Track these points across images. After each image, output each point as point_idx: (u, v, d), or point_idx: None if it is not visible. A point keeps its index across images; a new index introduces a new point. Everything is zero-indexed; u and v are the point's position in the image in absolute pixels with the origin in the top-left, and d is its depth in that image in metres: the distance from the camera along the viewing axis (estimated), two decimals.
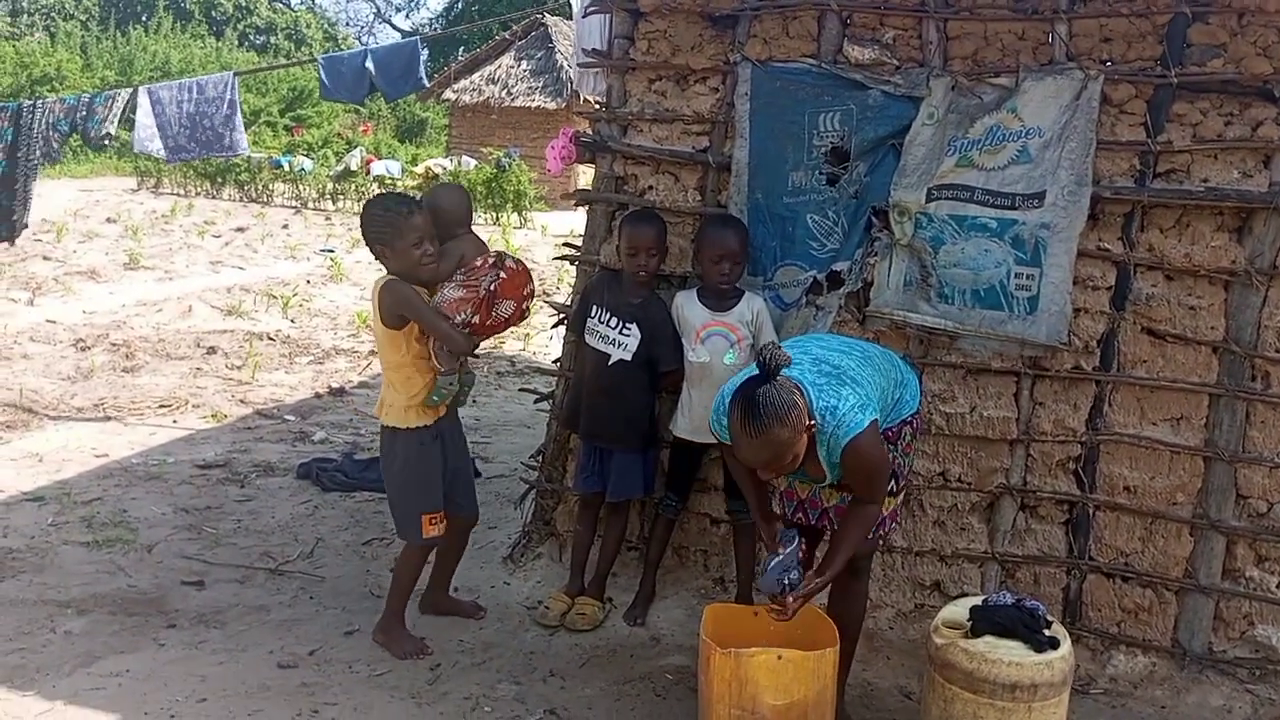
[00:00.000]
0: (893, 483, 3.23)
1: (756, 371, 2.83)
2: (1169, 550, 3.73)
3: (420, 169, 19.64)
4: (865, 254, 3.88)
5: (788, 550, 3.03)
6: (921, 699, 3.16)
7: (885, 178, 3.81)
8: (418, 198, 3.81)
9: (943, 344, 3.87)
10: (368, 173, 19.55)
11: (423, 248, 3.53)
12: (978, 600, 3.09)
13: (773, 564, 3.03)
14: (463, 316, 3.57)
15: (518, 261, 3.83)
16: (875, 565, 4.00)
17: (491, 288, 3.63)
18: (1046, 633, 2.94)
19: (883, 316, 3.89)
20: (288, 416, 6.65)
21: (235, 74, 6.71)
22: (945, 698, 2.97)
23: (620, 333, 3.95)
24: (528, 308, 3.85)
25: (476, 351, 3.84)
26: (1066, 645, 2.96)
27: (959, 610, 3.09)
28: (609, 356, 3.96)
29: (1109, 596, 3.81)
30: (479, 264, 3.70)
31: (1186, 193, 3.55)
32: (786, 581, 2.99)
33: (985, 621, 2.97)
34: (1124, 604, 3.79)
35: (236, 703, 3.38)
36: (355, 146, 22.49)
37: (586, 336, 4.05)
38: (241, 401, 6.95)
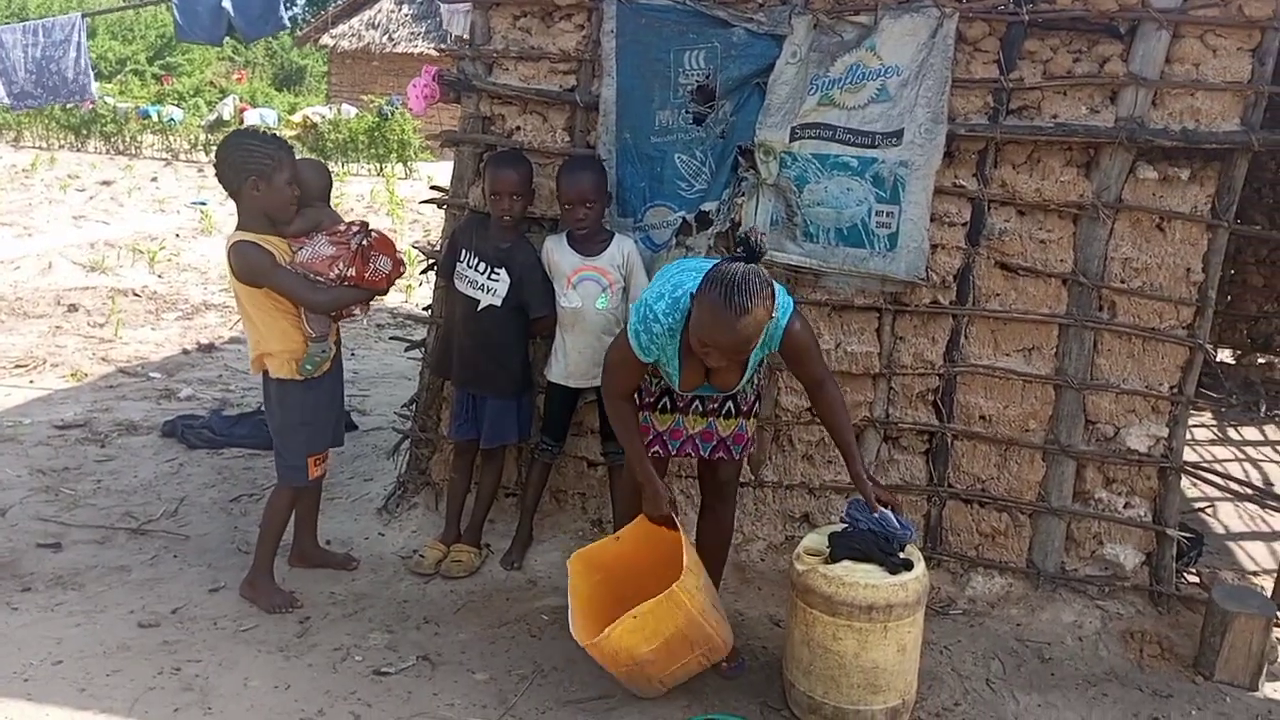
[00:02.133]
0: (756, 404, 3.37)
1: (714, 261, 2.93)
2: (1023, 475, 3.89)
3: (298, 118, 18.94)
4: (733, 194, 3.89)
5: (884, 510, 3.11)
6: (787, 624, 3.24)
7: (750, 117, 3.81)
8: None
9: (808, 282, 3.92)
10: (241, 122, 18.75)
11: (293, 188, 3.43)
12: (837, 528, 3.16)
13: (896, 520, 3.09)
14: (337, 271, 3.50)
15: (379, 231, 3.76)
16: (747, 500, 4.09)
17: (364, 243, 3.55)
18: (901, 555, 3.03)
19: None
20: (153, 374, 6.39)
21: (83, 15, 6.32)
22: (807, 622, 3.05)
23: (489, 278, 3.89)
24: (402, 267, 3.79)
25: (358, 312, 3.74)
26: (920, 566, 3.07)
27: (819, 538, 3.17)
28: (478, 302, 3.90)
29: (967, 521, 3.96)
30: (341, 227, 3.65)
31: (1037, 129, 3.65)
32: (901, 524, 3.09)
33: (843, 548, 3.05)
34: (981, 528, 3.94)
35: (94, 663, 3.27)
36: (228, 95, 21.54)
37: (455, 282, 3.98)
38: (103, 360, 6.65)
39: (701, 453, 3.35)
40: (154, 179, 16.33)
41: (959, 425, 3.91)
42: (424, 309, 4.53)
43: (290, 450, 3.69)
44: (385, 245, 3.67)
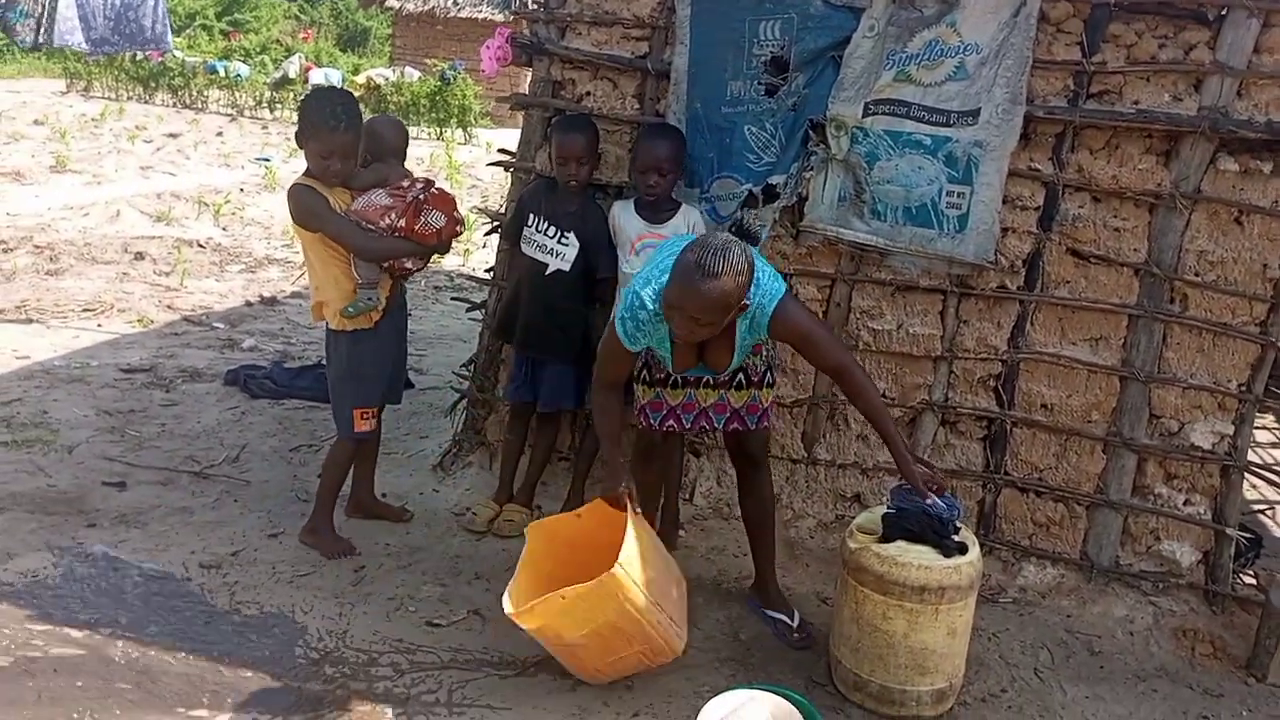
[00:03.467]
0: (768, 374, 3.36)
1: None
2: (1082, 466, 3.84)
3: (361, 79, 19.07)
4: (801, 168, 3.86)
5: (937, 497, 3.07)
6: (835, 602, 3.24)
7: (824, 90, 3.78)
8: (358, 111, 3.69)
9: (873, 261, 3.89)
10: (306, 81, 18.93)
11: (331, 162, 3.48)
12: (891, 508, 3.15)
13: (942, 503, 3.05)
14: (389, 221, 3.54)
15: (442, 189, 3.80)
16: (799, 477, 4.09)
17: (420, 197, 3.60)
18: (955, 538, 3.02)
19: (816, 232, 3.89)
20: (216, 324, 6.52)
21: None
22: (857, 600, 3.05)
23: (559, 242, 3.91)
24: (460, 226, 3.82)
25: (410, 266, 3.78)
26: (974, 551, 3.05)
27: (873, 517, 3.16)
28: (546, 266, 3.93)
29: (1022, 510, 3.92)
30: (405, 183, 3.70)
31: (1117, 114, 3.57)
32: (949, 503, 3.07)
33: (897, 528, 3.04)
34: (1036, 518, 3.91)
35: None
36: (294, 54, 21.74)
37: (523, 246, 4.00)
38: (169, 307, 6.80)
39: (716, 425, 3.36)
40: (219, 133, 16.59)
41: (1019, 413, 3.87)
42: (485, 271, 4.56)
43: (338, 401, 3.77)
44: (442, 201, 3.70)
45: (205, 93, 20.23)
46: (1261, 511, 4.88)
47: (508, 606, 2.99)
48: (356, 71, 21.20)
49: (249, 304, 7.09)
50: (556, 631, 2.97)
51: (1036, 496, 3.91)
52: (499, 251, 4.37)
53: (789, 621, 3.48)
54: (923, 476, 3.07)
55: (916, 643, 2.98)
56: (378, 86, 18.38)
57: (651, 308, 2.98)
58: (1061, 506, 3.88)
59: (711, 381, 3.34)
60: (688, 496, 4.19)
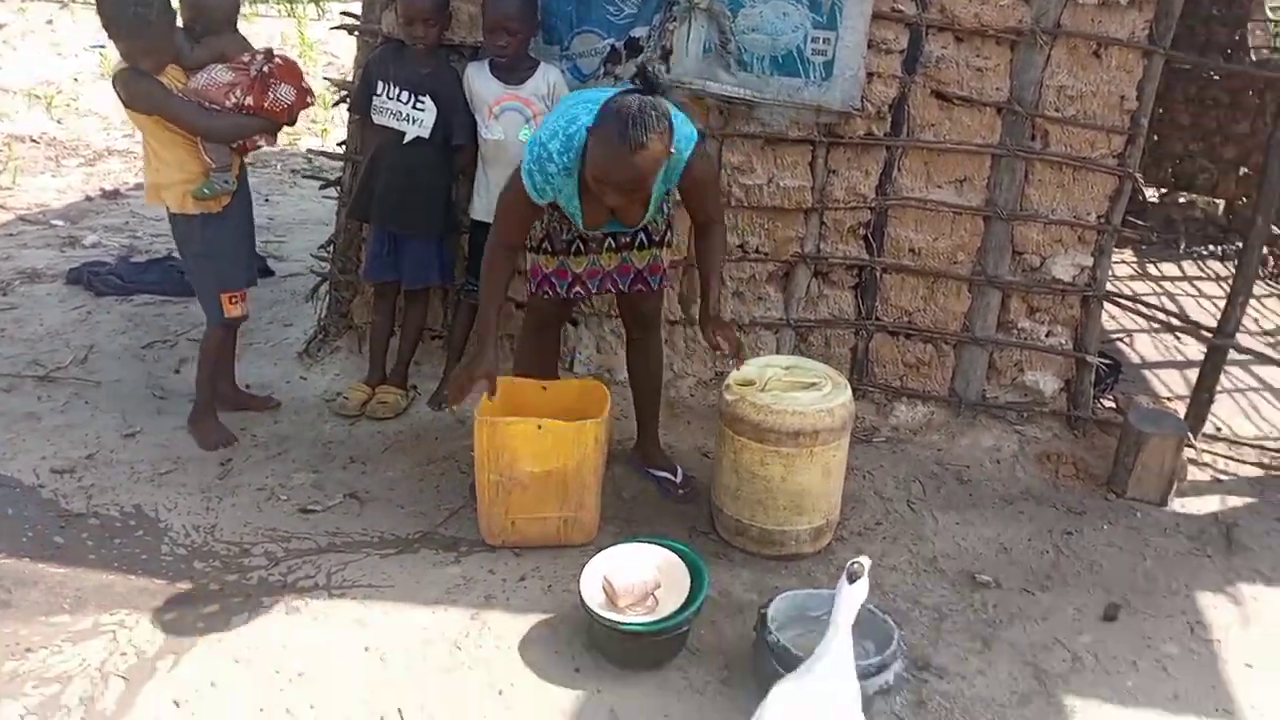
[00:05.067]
0: (669, 232, 3.30)
1: (614, 91, 2.78)
2: (949, 307, 3.91)
3: None
4: (664, 19, 3.70)
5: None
6: (716, 453, 3.26)
7: None
8: None
9: (741, 114, 3.79)
10: None
11: (143, 60, 3.21)
12: (765, 359, 3.16)
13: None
14: (234, 99, 3.31)
15: (285, 57, 3.54)
16: (678, 338, 4.07)
17: (264, 69, 3.34)
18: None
19: (683, 86, 3.74)
20: (55, 221, 6.07)
21: None
22: (735, 449, 3.07)
23: (414, 107, 3.69)
24: (310, 98, 3.57)
25: (262, 143, 3.53)
26: (846, 393, 3.09)
27: (748, 368, 3.15)
28: (403, 135, 3.71)
29: (893, 353, 3.99)
30: (245, 57, 3.44)
31: None
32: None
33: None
34: (906, 359, 3.99)
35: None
36: None
37: (375, 116, 3.76)
38: (2, 208, 6.29)
39: (621, 287, 3.29)
40: (49, 21, 15.19)
41: (889, 259, 3.89)
42: (338, 145, 4.31)
43: (203, 288, 3.58)
44: (289, 73, 3.46)
45: None
46: (1119, 340, 5.09)
47: (481, 413, 2.95)
48: None
49: (89, 199, 6.61)
50: (510, 458, 2.94)
51: (906, 339, 3.98)
52: (350, 124, 4.12)
53: (673, 478, 3.50)
54: (718, 333, 3.06)
55: (794, 485, 3.02)
56: None
57: (560, 161, 2.84)
58: (930, 347, 3.96)
59: (613, 244, 3.24)
60: (567, 365, 4.13)
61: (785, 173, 3.83)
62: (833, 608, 2.22)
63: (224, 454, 3.58)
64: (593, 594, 2.70)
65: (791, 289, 3.99)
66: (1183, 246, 7.17)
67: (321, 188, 4.54)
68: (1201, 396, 3.93)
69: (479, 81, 3.64)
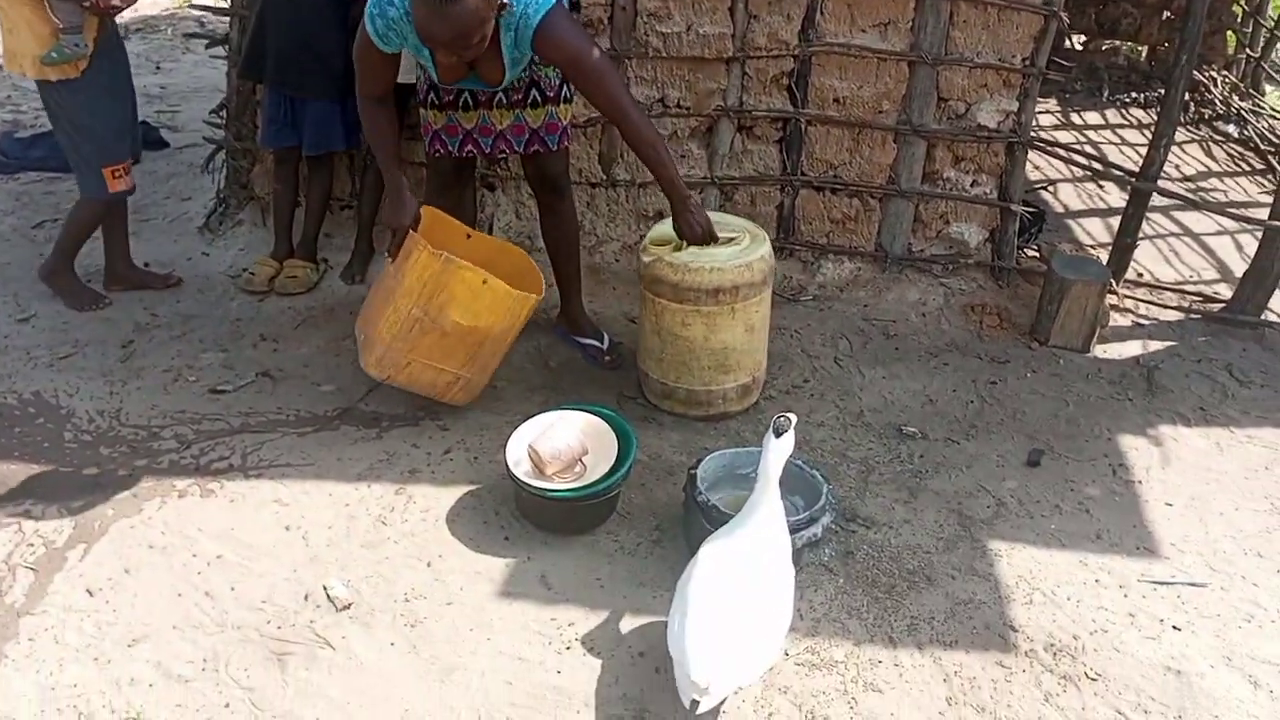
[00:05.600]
0: (564, 88, 3.10)
1: None
2: (874, 159, 3.82)
3: None
4: None
5: None
6: (639, 317, 3.18)
7: None
8: None
9: None
10: None
11: None
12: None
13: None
14: None
15: None
16: (600, 201, 3.94)
17: None
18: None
19: None
20: None
21: None
22: (656, 312, 2.99)
23: None
24: None
25: (118, 3, 3.21)
26: (765, 246, 3.00)
27: (665, 228, 3.04)
28: None
29: (819, 209, 3.91)
30: None
31: None
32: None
33: None
34: (832, 215, 3.91)
35: None
36: None
37: None
38: None
39: (516, 148, 3.12)
40: None
41: (813, 110, 3.77)
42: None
43: (81, 162, 3.35)
44: None
45: None
46: (1043, 188, 5.08)
47: (422, 243, 2.78)
48: None
49: None
50: (444, 300, 2.78)
51: (832, 194, 3.89)
52: None
53: (599, 345, 3.42)
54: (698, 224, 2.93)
55: (717, 344, 2.97)
56: None
57: (400, 5, 2.62)
58: (856, 201, 3.89)
59: (505, 100, 3.06)
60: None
61: (704, 19, 3.65)
62: (759, 463, 2.18)
63: (125, 336, 3.41)
64: (519, 462, 2.64)
65: (715, 145, 3.85)
66: (1106, 94, 7.13)
67: (207, 46, 4.22)
68: (1123, 242, 3.94)
69: None
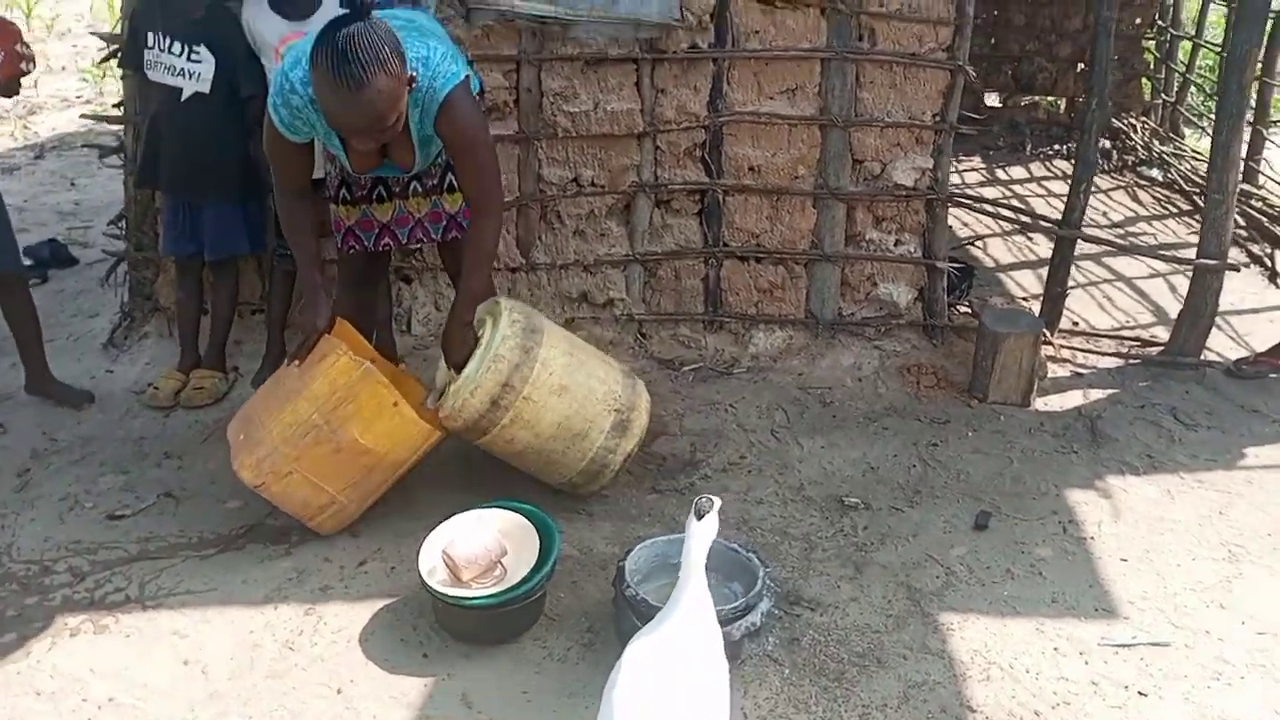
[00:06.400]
0: None
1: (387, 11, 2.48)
2: (795, 225, 3.76)
3: None
4: None
5: None
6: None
7: None
8: None
9: (556, 35, 3.54)
10: None
11: None
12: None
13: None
14: None
15: (5, 22, 3.16)
16: (521, 286, 3.83)
17: None
18: None
19: (488, 8, 3.48)
20: None
21: None
22: (487, 448, 2.85)
23: (189, 60, 3.32)
24: (28, 64, 3.17)
25: None
26: (504, 316, 2.75)
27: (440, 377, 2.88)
28: (180, 91, 3.34)
29: (745, 280, 3.83)
30: None
31: None
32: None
33: None
34: (759, 284, 3.83)
35: None
36: None
37: (148, 71, 3.39)
38: None
39: (434, 235, 3.01)
40: None
41: (729, 180, 3.71)
42: (114, 107, 3.88)
43: None
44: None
45: None
46: (969, 244, 5.06)
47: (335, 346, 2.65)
48: None
49: None
50: (349, 413, 2.62)
51: (757, 263, 3.82)
52: (124, 81, 3.70)
53: None
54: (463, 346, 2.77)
55: (547, 429, 2.76)
56: None
57: (303, 93, 2.51)
58: (781, 269, 3.82)
59: (420, 187, 2.95)
60: (404, 328, 3.84)
61: (611, 95, 3.60)
62: (682, 550, 2.03)
63: (21, 464, 3.20)
64: (433, 571, 2.46)
65: (634, 222, 3.77)
66: (1029, 148, 7.23)
67: (101, 155, 4.09)
68: (1054, 291, 3.89)
69: (259, 21, 3.28)
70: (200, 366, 3.62)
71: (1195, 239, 3.92)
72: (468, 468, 3.16)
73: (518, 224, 3.78)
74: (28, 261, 4.36)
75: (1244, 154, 4.63)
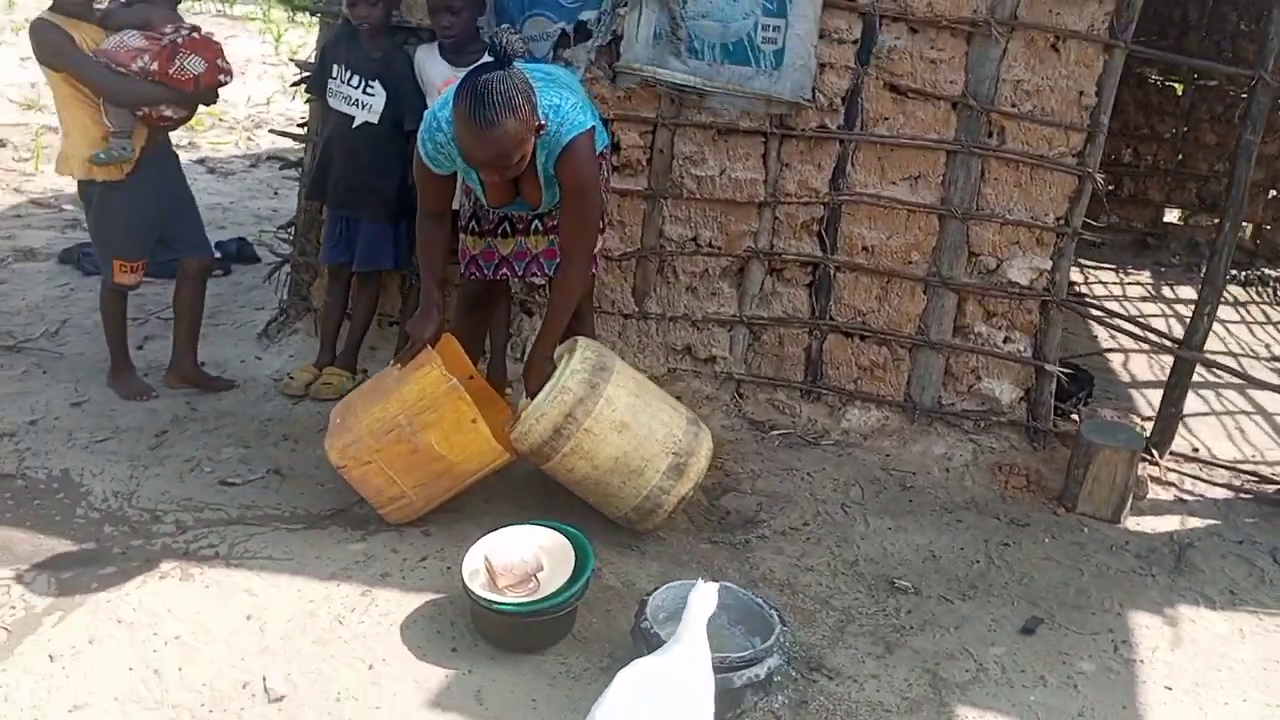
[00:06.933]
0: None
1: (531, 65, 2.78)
2: (903, 308, 3.80)
3: None
4: (615, 4, 3.67)
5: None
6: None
7: None
8: None
9: (693, 103, 3.75)
10: None
11: None
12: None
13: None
14: (140, 64, 3.36)
15: (202, 32, 3.63)
16: (631, 332, 4.02)
17: (177, 40, 3.40)
18: None
19: (633, 73, 3.73)
20: (65, 206, 6.23)
21: None
22: (551, 474, 3.05)
23: (364, 92, 3.72)
24: (225, 75, 3.63)
25: (171, 115, 3.58)
26: (578, 351, 2.99)
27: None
28: (352, 119, 3.75)
29: (847, 355, 3.89)
30: (168, 28, 3.52)
31: None
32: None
33: None
34: (860, 362, 3.88)
35: None
36: None
37: (329, 98, 3.81)
38: (17, 190, 6.49)
39: (547, 271, 3.27)
40: None
41: (842, 256, 3.80)
42: (299, 127, 4.35)
43: (99, 251, 3.76)
44: (204, 47, 3.52)
45: None
46: (1100, 354, 4.91)
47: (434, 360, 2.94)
48: None
49: None
50: (430, 421, 2.89)
51: (861, 340, 3.87)
52: (309, 105, 4.16)
53: None
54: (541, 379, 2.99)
55: (605, 462, 2.94)
56: None
57: (448, 130, 2.83)
58: (885, 349, 3.86)
59: (541, 226, 3.23)
60: (519, 356, 4.10)
61: (737, 164, 3.77)
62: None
63: (161, 426, 3.62)
64: (475, 574, 2.66)
65: (745, 285, 3.91)
66: (1204, 270, 6.92)
67: (281, 168, 4.58)
68: (1167, 411, 3.76)
69: (429, 64, 3.65)
70: (334, 364, 3.99)
71: None
72: (546, 492, 3.35)
73: (636, 273, 3.99)
74: (216, 255, 4.93)
75: None
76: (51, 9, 3.37)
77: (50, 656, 2.50)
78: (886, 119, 3.65)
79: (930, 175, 3.67)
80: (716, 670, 2.23)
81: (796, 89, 3.61)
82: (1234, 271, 6.90)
